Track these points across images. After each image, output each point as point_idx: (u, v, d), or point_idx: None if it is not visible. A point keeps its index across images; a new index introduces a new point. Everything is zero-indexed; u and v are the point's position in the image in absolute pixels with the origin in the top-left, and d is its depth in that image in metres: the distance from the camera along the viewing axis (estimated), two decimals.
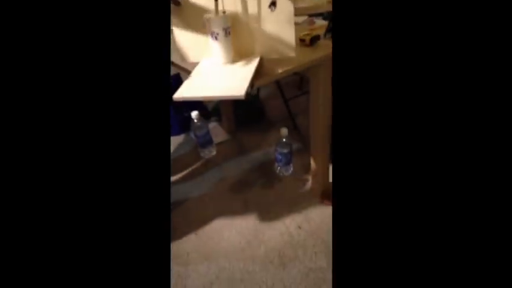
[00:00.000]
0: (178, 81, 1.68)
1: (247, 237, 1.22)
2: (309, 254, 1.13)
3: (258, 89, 2.04)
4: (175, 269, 1.13)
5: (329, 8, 1.23)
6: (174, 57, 0.99)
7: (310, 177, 1.38)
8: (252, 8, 0.85)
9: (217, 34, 0.84)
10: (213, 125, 1.91)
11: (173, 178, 1.55)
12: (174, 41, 0.95)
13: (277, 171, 1.22)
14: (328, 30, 1.04)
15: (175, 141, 1.82)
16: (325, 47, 0.98)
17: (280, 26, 0.87)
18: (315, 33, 1.00)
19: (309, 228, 1.22)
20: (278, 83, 1.75)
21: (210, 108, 2.00)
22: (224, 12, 0.86)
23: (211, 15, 0.84)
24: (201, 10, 0.87)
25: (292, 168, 1.23)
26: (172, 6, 0.87)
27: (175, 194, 1.45)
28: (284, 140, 1.09)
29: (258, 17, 0.86)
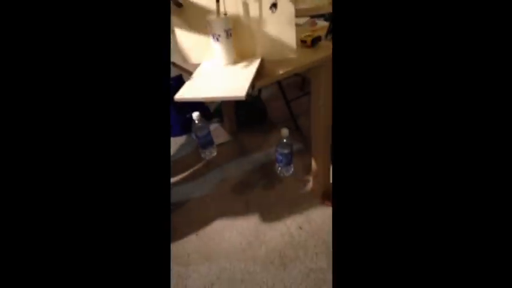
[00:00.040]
0: (180, 82, 1.69)
1: (248, 238, 1.22)
2: (310, 254, 1.13)
3: (260, 90, 2.05)
4: (176, 269, 1.13)
5: (330, 9, 1.23)
6: (176, 59, 1.00)
7: (311, 178, 1.38)
8: (253, 10, 0.86)
9: (219, 36, 0.85)
10: (215, 126, 1.91)
11: (175, 179, 1.55)
12: (176, 43, 0.95)
13: (278, 172, 1.22)
14: (330, 31, 1.05)
15: (177, 142, 1.83)
16: (326, 48, 0.98)
17: (281, 28, 0.87)
18: (316, 34, 1.01)
19: (309, 228, 1.22)
20: (280, 84, 1.76)
21: (212, 109, 2.00)
22: (225, 14, 0.86)
23: (213, 17, 0.85)
24: (203, 12, 0.87)
25: (292, 169, 1.23)
26: (174, 7, 0.88)
27: (177, 194, 1.46)
28: (285, 140, 1.09)
29: (259, 18, 0.87)
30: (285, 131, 1.07)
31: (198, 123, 1.17)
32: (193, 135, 1.81)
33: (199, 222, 1.30)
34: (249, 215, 1.32)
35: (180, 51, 0.97)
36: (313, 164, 1.28)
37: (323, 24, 1.15)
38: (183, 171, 1.59)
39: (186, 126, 1.84)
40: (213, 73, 0.89)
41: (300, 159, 1.53)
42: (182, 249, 1.20)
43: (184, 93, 0.79)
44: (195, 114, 1.14)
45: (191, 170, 1.59)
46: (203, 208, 1.38)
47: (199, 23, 0.89)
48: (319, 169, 1.26)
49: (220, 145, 1.73)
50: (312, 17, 1.21)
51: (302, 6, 1.26)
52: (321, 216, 1.26)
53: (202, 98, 0.81)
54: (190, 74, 0.90)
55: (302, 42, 1.00)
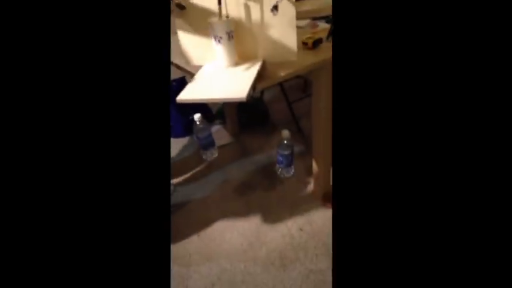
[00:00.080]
0: (183, 84, 1.70)
1: (249, 239, 1.22)
2: (310, 256, 1.13)
3: (262, 92, 2.05)
4: (177, 269, 1.14)
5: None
6: (179, 61, 1.01)
7: (312, 180, 1.39)
8: (255, 12, 0.87)
9: (221, 38, 0.86)
10: (217, 128, 1.92)
11: (177, 180, 1.56)
12: (179, 45, 0.96)
13: (279, 173, 1.23)
14: (331, 33, 1.05)
15: (179, 143, 1.84)
16: (328, 50, 0.98)
17: (282, 30, 0.88)
18: (317, 36, 1.01)
19: (310, 230, 1.22)
20: (282, 86, 1.76)
21: (214, 111, 2.01)
22: (227, 16, 0.87)
23: (215, 19, 0.86)
24: (205, 14, 0.88)
25: (293, 170, 1.24)
26: (177, 9, 0.89)
27: (179, 195, 1.46)
28: (285, 142, 1.10)
29: (261, 21, 0.88)
30: (285, 133, 1.08)
31: (200, 124, 1.18)
32: (195, 137, 1.82)
33: (200, 223, 1.31)
34: (250, 216, 1.32)
35: (182, 53, 0.98)
36: (314, 165, 1.28)
37: (324, 26, 1.15)
38: (185, 172, 1.60)
39: (189, 127, 1.85)
40: (215, 75, 0.90)
41: (301, 161, 1.54)
42: (183, 250, 1.21)
43: (186, 94, 0.80)
44: (197, 116, 1.15)
45: (193, 171, 1.60)
46: (205, 209, 1.38)
47: (202, 25, 0.90)
48: (320, 171, 1.27)
49: (222, 146, 1.74)
50: (314, 19, 1.21)
51: (304, 8, 1.27)
52: (322, 218, 1.27)
53: (204, 100, 0.82)
54: (192, 75, 0.91)
55: (303, 44, 1.00)
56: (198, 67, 0.95)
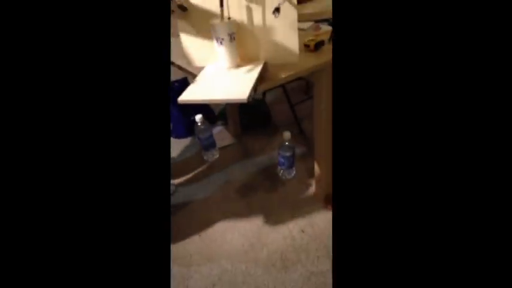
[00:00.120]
0: (185, 85, 1.70)
1: (250, 240, 1.22)
2: (311, 258, 1.13)
3: (264, 94, 2.06)
4: (177, 269, 1.14)
5: None
6: (181, 62, 1.02)
7: (314, 182, 1.39)
8: (257, 14, 0.87)
9: (223, 39, 0.86)
10: (219, 129, 1.92)
11: (178, 180, 1.56)
12: (181, 46, 0.97)
13: (280, 174, 1.23)
14: (333, 35, 1.06)
15: (181, 144, 1.84)
16: (329, 53, 0.99)
17: (284, 32, 0.88)
18: (319, 38, 1.02)
19: (312, 232, 1.22)
20: (284, 88, 1.77)
21: (216, 112, 2.02)
22: (229, 18, 0.88)
23: (217, 21, 0.86)
24: (207, 15, 0.89)
25: (294, 172, 1.24)
26: (179, 11, 0.89)
27: (180, 196, 1.47)
28: (287, 143, 1.10)
29: (263, 23, 0.88)
30: (286, 134, 1.08)
31: (201, 125, 1.18)
32: (196, 137, 1.83)
33: (201, 224, 1.31)
34: (251, 217, 1.32)
35: (184, 54, 0.99)
36: (316, 167, 1.28)
37: (327, 28, 1.16)
38: (187, 173, 1.60)
39: (191, 128, 1.86)
40: (217, 76, 0.90)
41: (303, 162, 1.54)
42: (184, 250, 1.21)
43: (188, 95, 0.81)
44: (198, 117, 1.16)
45: (195, 172, 1.61)
46: (206, 209, 1.39)
47: (204, 26, 0.90)
48: (322, 173, 1.27)
49: (224, 147, 1.74)
50: (316, 21, 1.22)
51: (306, 10, 1.27)
52: (323, 220, 1.26)
53: (205, 100, 0.82)
54: (194, 76, 0.92)
55: (305, 47, 1.01)
56: (200, 68, 0.96)
